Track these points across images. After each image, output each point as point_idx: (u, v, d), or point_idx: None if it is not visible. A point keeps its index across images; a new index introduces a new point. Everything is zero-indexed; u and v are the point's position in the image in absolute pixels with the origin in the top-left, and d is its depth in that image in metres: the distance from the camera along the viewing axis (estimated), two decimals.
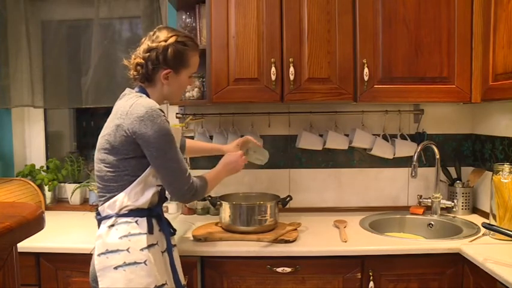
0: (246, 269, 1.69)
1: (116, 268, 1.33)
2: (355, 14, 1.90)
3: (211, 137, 2.21)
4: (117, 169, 1.37)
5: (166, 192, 1.46)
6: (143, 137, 1.33)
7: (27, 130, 2.51)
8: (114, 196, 1.38)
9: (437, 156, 2.12)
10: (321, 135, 2.20)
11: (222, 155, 1.68)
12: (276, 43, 1.90)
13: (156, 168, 1.38)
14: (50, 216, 2.09)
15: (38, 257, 1.73)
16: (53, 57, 2.35)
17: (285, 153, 2.30)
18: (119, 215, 1.37)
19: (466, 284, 1.64)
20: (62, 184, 2.43)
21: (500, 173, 1.74)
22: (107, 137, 1.38)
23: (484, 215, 2.06)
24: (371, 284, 1.67)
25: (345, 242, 1.73)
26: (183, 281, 1.50)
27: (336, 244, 1.72)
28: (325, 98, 1.92)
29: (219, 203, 1.88)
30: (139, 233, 1.37)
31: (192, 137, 2.14)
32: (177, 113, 2.25)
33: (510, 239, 1.53)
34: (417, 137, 2.25)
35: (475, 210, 2.18)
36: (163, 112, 1.38)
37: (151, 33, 1.48)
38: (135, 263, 1.33)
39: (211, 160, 2.13)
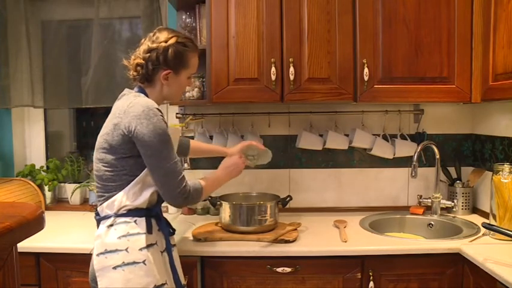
0: (246, 269, 1.69)
1: (114, 268, 1.33)
2: (355, 14, 1.90)
3: (211, 137, 2.21)
4: (115, 168, 1.37)
5: None
6: (138, 135, 1.33)
7: (27, 130, 2.51)
8: (113, 196, 1.38)
9: (437, 156, 2.12)
10: (321, 135, 2.20)
11: (223, 157, 1.68)
12: (276, 43, 1.90)
13: (149, 167, 1.37)
14: (50, 216, 2.09)
15: (38, 257, 1.73)
16: (53, 57, 2.35)
17: (285, 153, 2.30)
18: (117, 215, 1.37)
19: (466, 284, 1.64)
20: (62, 184, 2.43)
21: (500, 173, 1.74)
22: (105, 137, 1.38)
23: (484, 215, 2.06)
24: (371, 284, 1.67)
25: (345, 242, 1.73)
26: (183, 281, 1.50)
27: (336, 244, 1.72)
28: (325, 98, 1.92)
29: (219, 203, 1.88)
30: (138, 233, 1.37)
31: (192, 137, 2.14)
32: (177, 113, 2.26)
33: (510, 239, 1.53)
34: (417, 137, 2.25)
35: (475, 210, 2.18)
36: (161, 112, 1.38)
37: (151, 34, 1.49)
38: (133, 262, 1.33)
39: (211, 161, 2.13)
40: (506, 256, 1.49)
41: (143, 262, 1.34)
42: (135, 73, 1.47)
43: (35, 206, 0.87)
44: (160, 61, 1.43)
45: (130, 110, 1.35)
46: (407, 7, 1.89)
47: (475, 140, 2.25)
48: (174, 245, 1.52)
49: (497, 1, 1.71)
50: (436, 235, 2.00)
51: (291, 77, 1.88)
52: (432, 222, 2.07)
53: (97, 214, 1.43)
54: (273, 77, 1.88)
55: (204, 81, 2.07)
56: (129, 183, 1.37)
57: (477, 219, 2.02)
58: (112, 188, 1.38)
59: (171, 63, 1.45)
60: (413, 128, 2.28)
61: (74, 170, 2.44)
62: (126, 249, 1.34)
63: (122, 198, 1.37)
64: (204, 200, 2.18)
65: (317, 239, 1.79)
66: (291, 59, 1.88)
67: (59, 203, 2.43)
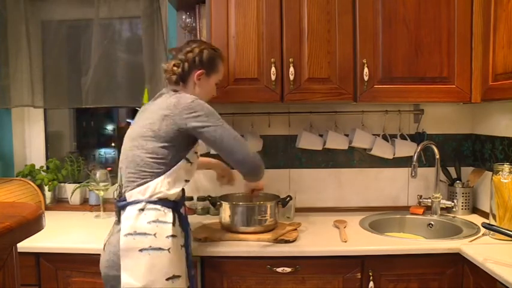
0: (246, 269, 1.69)
1: (141, 250, 1.38)
2: (355, 14, 1.90)
3: None
4: (156, 155, 1.45)
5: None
6: (195, 120, 1.45)
7: (27, 130, 2.51)
8: (147, 182, 1.44)
9: (437, 156, 2.12)
10: (321, 135, 2.20)
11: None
12: (276, 43, 1.90)
13: (218, 142, 1.48)
14: (50, 216, 2.10)
15: (38, 257, 1.73)
16: (53, 57, 2.34)
17: (285, 153, 2.30)
18: (148, 201, 1.43)
19: (466, 284, 1.64)
20: (62, 184, 2.43)
21: (500, 173, 1.74)
22: (150, 126, 1.46)
23: (484, 215, 2.06)
24: (371, 284, 1.67)
25: (345, 242, 1.73)
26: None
27: (336, 244, 1.72)
28: (325, 98, 1.92)
29: (219, 203, 1.88)
30: (166, 222, 1.43)
31: None
32: None
33: (510, 239, 1.53)
34: (417, 137, 2.25)
35: (475, 210, 2.18)
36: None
37: (184, 45, 1.66)
38: (160, 248, 1.39)
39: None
40: (506, 256, 1.49)
41: (168, 250, 1.40)
42: (171, 72, 1.60)
43: (35, 206, 0.87)
44: (196, 61, 1.59)
45: (180, 101, 1.46)
46: (407, 7, 1.89)
47: (475, 140, 2.25)
48: (190, 242, 1.57)
49: (497, 1, 1.71)
50: (436, 235, 2.00)
51: (291, 77, 1.88)
52: (432, 222, 2.07)
53: (122, 200, 1.47)
54: (273, 77, 1.88)
55: None
56: (165, 172, 1.45)
57: (477, 219, 2.02)
58: (147, 175, 1.45)
59: (205, 65, 1.61)
60: (413, 128, 2.28)
61: (74, 170, 2.44)
62: (155, 235, 1.40)
63: (157, 185, 1.44)
64: (204, 200, 2.19)
65: (317, 239, 1.79)
66: (291, 59, 1.88)
67: (59, 203, 2.43)
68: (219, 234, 1.81)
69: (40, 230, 0.84)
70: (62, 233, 1.88)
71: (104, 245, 1.51)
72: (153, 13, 2.21)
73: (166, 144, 1.45)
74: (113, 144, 2.83)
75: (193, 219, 2.09)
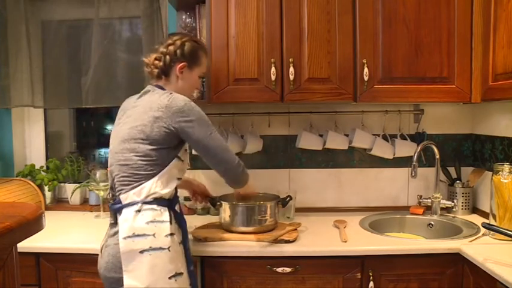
0: (246, 269, 1.69)
1: (141, 252, 1.38)
2: (355, 14, 1.90)
3: None
4: (149, 158, 1.44)
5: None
6: (187, 125, 1.44)
7: (27, 130, 2.51)
8: (142, 184, 1.44)
9: (437, 156, 2.12)
10: (321, 135, 2.20)
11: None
12: (276, 43, 1.90)
13: (205, 149, 1.49)
14: (50, 216, 2.10)
15: (38, 257, 1.73)
16: (53, 57, 2.34)
17: (285, 153, 2.30)
18: (144, 202, 1.43)
19: (466, 284, 1.64)
20: (62, 184, 2.43)
21: (500, 173, 1.74)
22: (141, 128, 1.45)
23: (484, 215, 2.06)
24: (371, 284, 1.67)
25: (345, 242, 1.73)
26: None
27: (336, 244, 1.72)
28: (325, 98, 1.92)
29: (219, 203, 1.88)
30: (163, 221, 1.43)
31: None
32: None
33: (510, 239, 1.53)
34: (417, 137, 2.25)
35: (475, 210, 2.18)
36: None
37: (166, 38, 1.67)
38: (160, 248, 1.39)
39: None
40: (506, 256, 1.49)
41: (168, 248, 1.40)
42: (152, 66, 1.59)
43: (35, 206, 0.87)
44: (178, 54, 1.57)
45: (172, 104, 1.44)
46: (407, 7, 1.89)
47: (475, 140, 2.25)
48: (187, 238, 1.57)
49: (497, 1, 1.71)
50: (436, 235, 2.00)
51: (291, 77, 1.88)
52: (432, 222, 2.07)
53: (117, 202, 1.46)
54: (273, 77, 1.88)
55: (204, 81, 2.06)
56: (158, 173, 1.45)
57: (477, 219, 2.02)
58: (142, 177, 1.44)
59: (187, 57, 1.59)
60: (413, 128, 2.28)
61: (74, 170, 2.44)
62: (154, 235, 1.40)
63: (152, 186, 1.44)
64: None
65: (317, 239, 1.79)
66: (291, 59, 1.88)
67: (59, 203, 2.43)
68: (219, 234, 1.80)
69: (40, 230, 0.84)
70: (62, 233, 1.88)
71: (101, 248, 1.50)
72: (153, 13, 2.21)
73: (158, 146, 1.44)
74: None
75: (193, 219, 2.10)
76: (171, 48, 1.57)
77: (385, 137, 2.21)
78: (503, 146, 1.98)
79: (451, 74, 1.90)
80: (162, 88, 1.56)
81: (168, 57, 1.57)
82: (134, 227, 1.40)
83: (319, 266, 1.68)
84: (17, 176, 2.35)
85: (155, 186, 1.44)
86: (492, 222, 1.77)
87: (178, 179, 1.52)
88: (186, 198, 2.13)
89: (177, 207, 1.54)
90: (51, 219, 2.09)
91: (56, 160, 2.42)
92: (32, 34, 2.32)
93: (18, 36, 2.27)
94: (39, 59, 2.34)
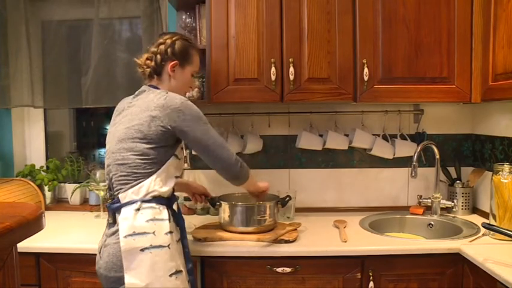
0: (246, 269, 1.69)
1: (142, 250, 1.38)
2: (355, 14, 1.90)
3: None
4: (146, 157, 1.44)
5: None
6: (183, 124, 1.45)
7: (27, 130, 2.51)
8: (141, 182, 1.44)
9: (437, 156, 2.12)
10: (321, 135, 2.20)
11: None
12: (276, 43, 1.90)
13: (202, 148, 1.50)
14: (50, 216, 2.10)
15: (38, 257, 1.73)
16: (53, 57, 2.34)
17: (285, 153, 2.30)
18: (143, 201, 1.43)
19: (466, 284, 1.64)
20: (62, 184, 2.43)
21: (500, 173, 1.74)
22: (138, 127, 1.45)
23: (484, 215, 2.06)
24: (371, 284, 1.67)
25: (345, 242, 1.73)
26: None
27: (336, 244, 1.72)
28: (325, 98, 1.92)
29: (218, 203, 1.88)
30: (163, 219, 1.44)
31: None
32: None
33: (510, 239, 1.53)
34: (417, 137, 2.25)
35: (475, 210, 2.18)
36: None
37: (157, 38, 1.64)
38: (160, 246, 1.40)
39: None
40: (506, 256, 1.49)
41: (168, 246, 1.41)
42: (145, 66, 1.59)
43: (35, 206, 0.87)
44: (169, 53, 1.57)
45: (168, 103, 1.45)
46: (407, 7, 1.89)
47: (475, 140, 2.25)
48: (186, 236, 1.57)
49: (497, 1, 1.71)
50: (436, 235, 2.00)
51: (291, 77, 1.88)
52: (432, 222, 2.07)
53: (115, 202, 1.46)
54: (273, 77, 1.88)
55: (204, 81, 2.07)
56: (156, 171, 1.45)
57: (477, 219, 2.02)
58: (140, 176, 1.44)
59: (178, 56, 1.59)
60: (413, 128, 2.28)
61: (74, 170, 2.44)
62: (154, 233, 1.41)
63: (150, 184, 1.44)
64: None
65: (317, 239, 1.79)
66: (291, 59, 1.88)
67: (59, 203, 2.43)
68: (218, 234, 1.80)
69: (40, 230, 0.84)
70: (62, 233, 1.88)
71: (100, 248, 1.50)
72: (153, 13, 2.21)
73: (155, 145, 1.45)
74: None
75: (192, 219, 2.10)
76: (162, 47, 1.57)
77: (385, 137, 2.22)
78: (503, 146, 1.98)
79: (451, 74, 1.91)
80: (156, 88, 1.57)
81: (159, 56, 1.57)
82: (134, 226, 1.40)
83: (319, 266, 1.68)
84: (17, 176, 2.35)
85: (154, 184, 1.45)
86: (492, 222, 1.77)
87: (176, 177, 1.53)
88: (186, 198, 2.14)
89: (174, 206, 1.54)
90: (51, 219, 2.09)
91: (56, 160, 2.42)
92: (32, 34, 2.32)
93: (18, 36, 2.27)
94: (39, 59, 2.34)
